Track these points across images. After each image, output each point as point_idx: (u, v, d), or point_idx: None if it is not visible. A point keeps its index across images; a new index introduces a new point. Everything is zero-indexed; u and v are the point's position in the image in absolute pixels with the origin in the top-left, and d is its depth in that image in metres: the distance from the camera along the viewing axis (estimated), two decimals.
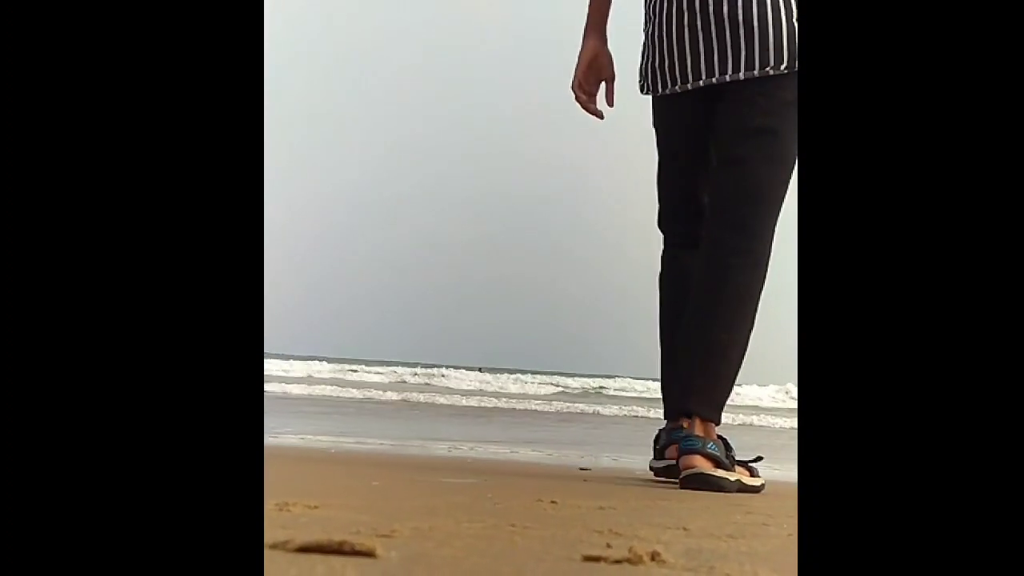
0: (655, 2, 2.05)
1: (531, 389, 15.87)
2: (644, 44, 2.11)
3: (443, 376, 16.91)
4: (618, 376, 20.55)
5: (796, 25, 1.87)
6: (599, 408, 10.12)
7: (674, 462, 2.02)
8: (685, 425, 1.94)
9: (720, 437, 2.05)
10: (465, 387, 15.01)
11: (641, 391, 17.01)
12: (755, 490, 2.16)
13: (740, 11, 1.87)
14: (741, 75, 1.89)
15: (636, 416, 9.11)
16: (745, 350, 1.98)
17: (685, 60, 1.94)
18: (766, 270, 1.94)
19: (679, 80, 1.97)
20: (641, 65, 2.12)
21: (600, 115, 2.16)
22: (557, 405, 10.35)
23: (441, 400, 9.99)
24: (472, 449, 3.91)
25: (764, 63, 1.87)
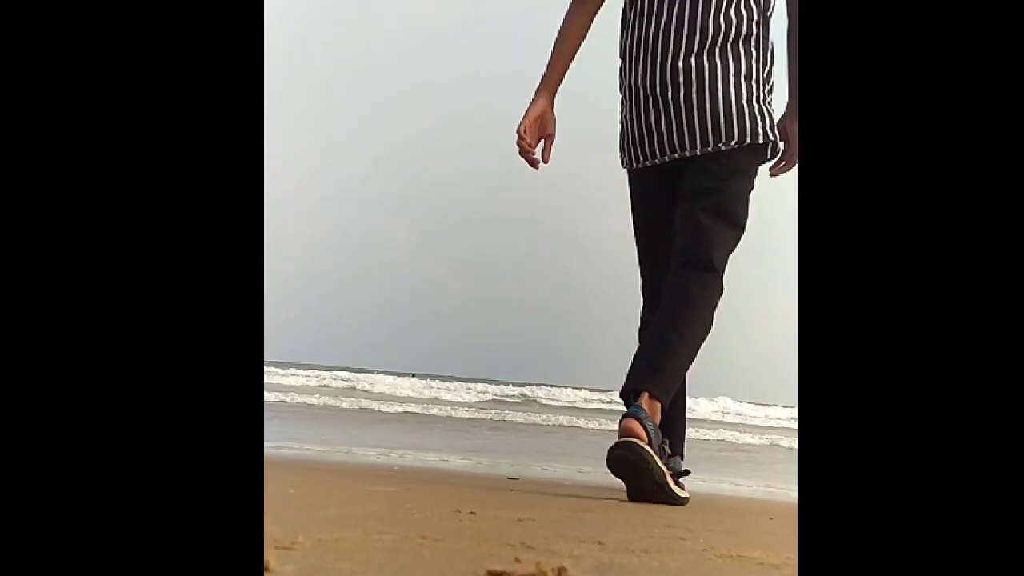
0: (627, 89, 2.38)
1: (464, 396, 15.82)
2: (621, 123, 2.44)
3: (375, 381, 16.75)
4: (553, 385, 20.61)
5: (745, 106, 2.25)
6: (533, 417, 10.12)
7: (624, 439, 2.08)
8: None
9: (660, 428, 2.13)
10: (397, 393, 14.90)
11: (573, 400, 17.07)
12: (680, 502, 2.16)
13: (695, 98, 2.25)
14: (698, 151, 2.26)
15: (568, 426, 9.12)
16: (695, 351, 2.19)
17: (654, 139, 2.32)
18: (719, 294, 2.23)
19: (649, 156, 2.35)
20: (620, 143, 2.47)
21: (535, 164, 2.44)
22: (490, 413, 10.31)
23: (372, 405, 9.89)
24: (402, 456, 3.86)
25: (716, 140, 2.25)
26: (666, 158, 2.31)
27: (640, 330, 2.43)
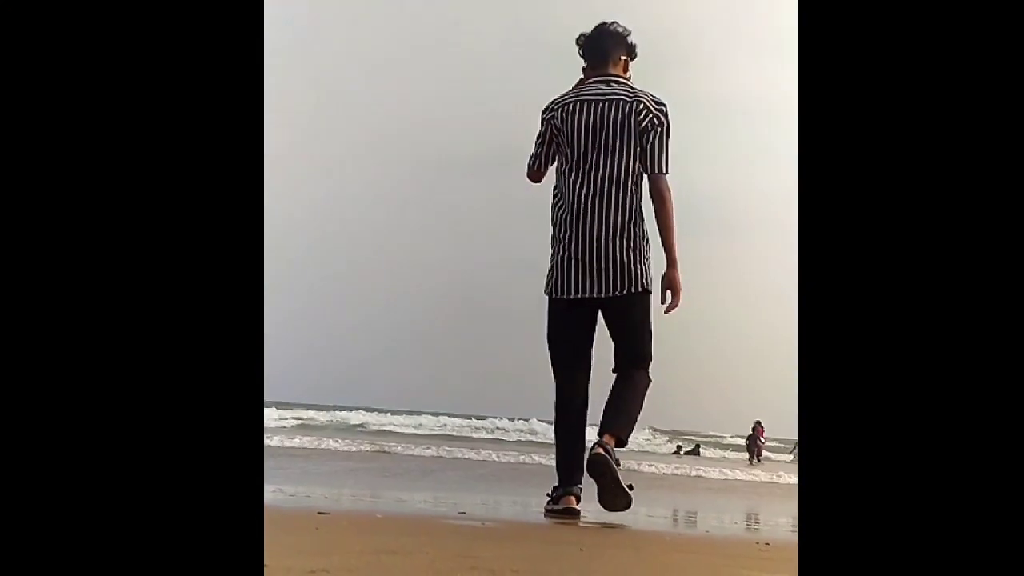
0: (561, 250, 3.37)
1: (322, 422, 15.36)
2: (552, 259, 3.43)
3: None
4: (427, 413, 20.37)
5: (641, 265, 3.36)
6: (349, 444, 9.90)
7: (566, 508, 3.17)
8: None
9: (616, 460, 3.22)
10: None
11: (407, 425, 16.89)
12: (629, 496, 3.21)
13: (609, 252, 3.33)
14: (617, 292, 3.33)
15: (389, 452, 8.98)
16: (639, 409, 3.36)
17: (578, 279, 3.37)
18: (649, 380, 3.42)
19: (573, 291, 3.36)
20: (548, 277, 3.42)
21: None
22: (303, 440, 9.99)
23: None
24: None
25: (625, 287, 3.34)
26: (590, 295, 3.34)
27: (564, 405, 3.43)
